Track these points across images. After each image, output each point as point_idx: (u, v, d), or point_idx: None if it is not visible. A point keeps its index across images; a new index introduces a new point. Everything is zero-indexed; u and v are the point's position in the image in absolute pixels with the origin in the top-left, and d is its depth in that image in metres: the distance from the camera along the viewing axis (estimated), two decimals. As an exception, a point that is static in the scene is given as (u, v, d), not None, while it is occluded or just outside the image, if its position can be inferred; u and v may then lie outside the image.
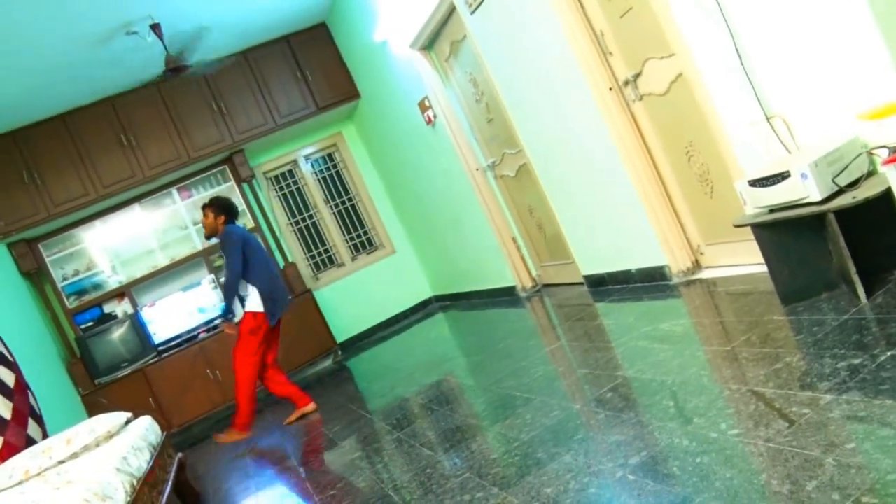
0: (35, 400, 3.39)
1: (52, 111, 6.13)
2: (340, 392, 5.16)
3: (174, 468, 3.52)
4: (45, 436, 3.40)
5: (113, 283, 6.70)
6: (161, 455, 3.37)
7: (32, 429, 3.28)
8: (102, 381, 6.14)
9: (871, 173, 2.46)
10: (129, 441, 3.04)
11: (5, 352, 3.28)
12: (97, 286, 6.69)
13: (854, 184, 2.40)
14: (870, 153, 2.46)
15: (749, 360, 2.34)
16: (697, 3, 2.87)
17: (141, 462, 2.93)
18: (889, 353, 1.93)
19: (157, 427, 3.63)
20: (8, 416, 3.13)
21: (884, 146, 2.32)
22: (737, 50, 2.75)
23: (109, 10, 4.90)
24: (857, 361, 1.97)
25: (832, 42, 2.41)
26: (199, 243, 6.81)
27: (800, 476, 1.55)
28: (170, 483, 3.25)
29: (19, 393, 3.23)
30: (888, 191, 2.27)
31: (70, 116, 6.23)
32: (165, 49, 5.40)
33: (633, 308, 3.77)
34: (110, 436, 3.27)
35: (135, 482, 2.67)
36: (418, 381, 4.40)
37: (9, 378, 3.18)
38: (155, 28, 5.26)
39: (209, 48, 5.90)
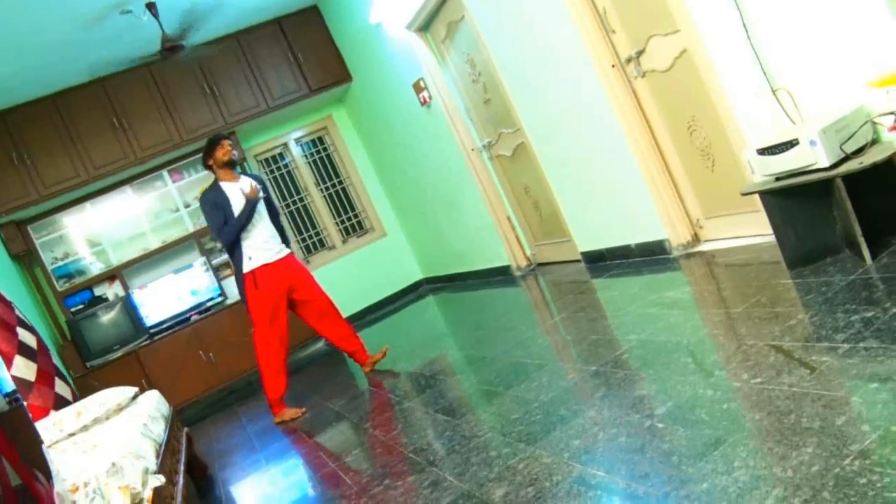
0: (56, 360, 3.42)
1: (43, 92, 6.07)
2: (339, 370, 5.19)
3: (184, 440, 3.56)
4: (74, 394, 3.42)
5: (103, 265, 6.66)
6: (173, 427, 3.40)
7: (60, 387, 3.29)
8: (94, 364, 6.12)
9: (874, 141, 2.56)
10: (146, 410, 3.07)
11: (22, 316, 3.29)
12: (87, 269, 6.66)
13: (860, 151, 2.50)
14: (874, 122, 2.56)
15: (762, 318, 2.43)
16: (705, -21, 2.95)
17: (159, 430, 2.97)
18: (901, 306, 2.03)
19: (165, 401, 3.66)
20: (32, 377, 3.14)
21: (891, 112, 2.42)
22: (744, 24, 2.84)
23: (104, -11, 4.89)
24: (869, 314, 2.07)
25: (837, 13, 2.50)
26: (190, 226, 6.79)
27: (828, 414, 1.64)
28: (184, 453, 3.29)
29: (42, 353, 3.24)
30: (893, 157, 2.37)
31: (61, 98, 6.17)
32: (161, 28, 5.38)
33: (635, 281, 3.86)
34: (120, 409, 3.28)
35: (158, 448, 2.71)
36: (420, 356, 4.46)
37: (31, 340, 3.19)
38: (150, 7, 5.25)
39: (202, 31, 5.89)
